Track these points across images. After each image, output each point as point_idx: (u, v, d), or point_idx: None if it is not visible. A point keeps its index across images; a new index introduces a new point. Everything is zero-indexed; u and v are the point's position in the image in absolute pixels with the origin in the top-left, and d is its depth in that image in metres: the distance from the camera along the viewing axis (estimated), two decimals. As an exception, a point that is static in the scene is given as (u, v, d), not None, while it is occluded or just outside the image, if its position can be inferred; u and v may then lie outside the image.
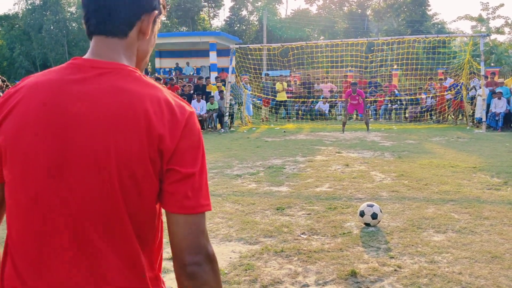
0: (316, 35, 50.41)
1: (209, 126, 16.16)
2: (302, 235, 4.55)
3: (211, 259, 1.10)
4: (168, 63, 26.49)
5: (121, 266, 1.07)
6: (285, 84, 19.55)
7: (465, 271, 3.59)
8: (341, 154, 9.69)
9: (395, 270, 3.65)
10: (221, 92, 16.45)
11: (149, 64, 28.52)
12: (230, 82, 16.16)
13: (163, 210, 1.14)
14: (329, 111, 19.32)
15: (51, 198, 1.03)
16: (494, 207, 5.35)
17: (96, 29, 1.10)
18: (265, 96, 19.05)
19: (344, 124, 14.13)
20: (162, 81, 16.50)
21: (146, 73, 24.88)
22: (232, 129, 15.72)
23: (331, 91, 20.09)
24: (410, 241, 4.29)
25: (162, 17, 1.22)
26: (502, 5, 35.19)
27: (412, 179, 6.95)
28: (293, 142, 11.81)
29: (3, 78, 11.26)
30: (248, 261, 3.87)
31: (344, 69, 20.39)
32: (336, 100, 19.57)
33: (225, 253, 4.11)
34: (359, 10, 48.45)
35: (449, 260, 3.82)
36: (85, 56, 1.11)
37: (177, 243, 1.08)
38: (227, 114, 15.65)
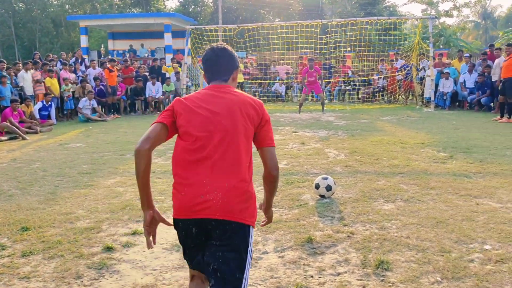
0: (271, 17, 50.44)
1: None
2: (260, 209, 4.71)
3: (279, 171, 2.31)
4: (121, 44, 25.90)
5: (235, 173, 2.16)
6: (241, 66, 19.60)
7: (413, 235, 3.87)
8: (297, 133, 9.93)
9: (348, 236, 3.89)
10: (177, 73, 16.34)
11: (102, 46, 27.82)
12: (186, 63, 16.06)
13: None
14: (286, 92, 19.57)
15: (205, 138, 2.19)
16: (440, 178, 5.71)
17: (212, 79, 2.37)
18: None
19: (300, 105, 14.39)
20: (116, 62, 16.17)
21: (99, 56, 24.27)
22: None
23: (287, 73, 20.32)
24: (362, 210, 4.55)
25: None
26: (450, -12, 36.13)
27: (364, 155, 7.26)
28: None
29: None
30: (210, 233, 4.00)
31: (299, 51, 20.64)
32: (292, 82, 19.84)
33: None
34: (314, -7, 48.70)
35: (398, 226, 4.09)
36: (210, 86, 2.36)
37: (269, 168, 2.28)
38: (184, 95, 15.60)
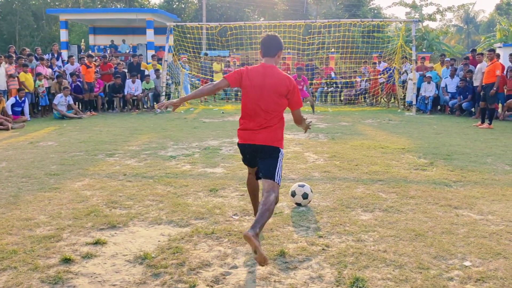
0: (256, 16, 50.25)
1: (145, 106, 15.73)
2: (234, 217, 4.51)
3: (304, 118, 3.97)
4: (102, 40, 25.45)
5: (272, 127, 3.71)
6: (222, 64, 19.36)
7: (390, 249, 3.69)
8: (277, 135, 9.73)
9: (323, 249, 3.70)
10: (157, 71, 16.00)
11: (83, 41, 27.26)
12: (167, 61, 15.74)
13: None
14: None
15: (257, 95, 3.72)
16: (420, 187, 5.56)
17: (265, 54, 3.81)
18: (204, 76, 18.79)
19: None
20: (93, 58, 15.76)
21: (79, 50, 23.79)
22: (168, 109, 15.37)
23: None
24: (339, 220, 4.36)
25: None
26: (434, -8, 36.47)
27: (344, 160, 7.09)
28: (231, 124, 11.74)
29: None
30: (177, 244, 3.77)
31: (283, 50, 20.43)
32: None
33: (153, 236, 3.99)
34: (299, -7, 48.63)
35: (375, 239, 3.91)
36: (261, 64, 3.82)
37: (296, 119, 3.91)
38: (164, 93, 15.28)
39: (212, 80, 18.47)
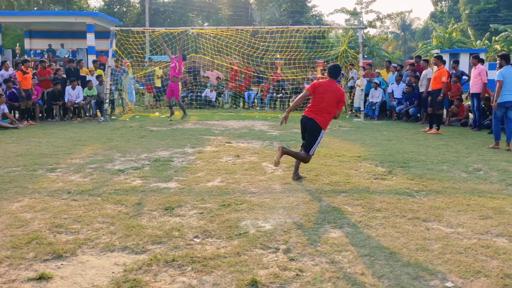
0: (200, 21, 49.75)
1: (87, 114, 14.90)
2: (195, 239, 4.13)
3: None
4: (39, 44, 24.14)
5: (326, 115, 6.31)
6: (161, 71, 18.77)
7: (367, 270, 3.46)
8: (231, 144, 9.41)
9: (297, 274, 3.41)
10: (99, 76, 15.22)
11: (18, 45, 25.71)
12: (110, 66, 15.00)
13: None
14: (216, 99, 18.98)
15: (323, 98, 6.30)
16: (384, 198, 5.42)
17: (331, 76, 6.48)
18: (149, 82, 18.15)
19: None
20: (30, 63, 14.76)
21: (14, 55, 22.41)
22: (113, 117, 14.66)
23: (218, 79, 19.76)
24: (308, 239, 4.10)
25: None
26: (374, 0, 37.54)
27: (303, 170, 6.87)
28: (180, 132, 11.27)
29: None
30: (134, 276, 3.35)
31: (229, 56, 20.14)
32: (223, 88, 19.30)
33: (106, 267, 3.54)
34: (243, -1, 48.70)
35: (350, 259, 3.67)
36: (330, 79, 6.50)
37: (336, 116, 6.49)
38: (107, 101, 14.53)
39: (154, 85, 17.88)
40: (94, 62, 17.03)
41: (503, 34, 37.51)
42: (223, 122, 13.43)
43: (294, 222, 4.58)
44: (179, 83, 14.69)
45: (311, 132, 6.24)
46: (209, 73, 19.91)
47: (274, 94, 18.54)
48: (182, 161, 7.64)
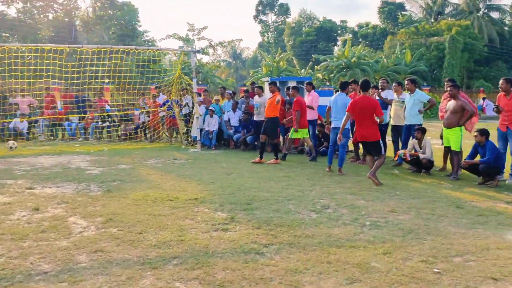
0: (16, 41, 44.26)
1: None
2: None
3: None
4: None
5: (370, 128, 8.27)
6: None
7: None
8: (33, 190, 7.34)
9: None
10: None
11: None
12: None
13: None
14: (29, 129, 16.05)
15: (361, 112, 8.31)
16: (227, 262, 4.15)
17: (363, 91, 8.50)
18: None
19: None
20: None
21: None
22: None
23: (31, 106, 16.88)
24: None
25: None
26: (206, 27, 37.59)
27: (124, 226, 5.31)
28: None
29: None
30: None
31: (49, 80, 17.39)
32: (37, 117, 16.49)
33: None
34: (66, 19, 44.90)
35: None
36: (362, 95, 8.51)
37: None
38: None
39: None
40: None
41: (323, 63, 40.66)
42: (31, 159, 11.00)
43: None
44: None
45: (372, 146, 8.42)
46: (18, 99, 16.83)
47: (99, 122, 16.43)
48: (-50, 223, 5.43)
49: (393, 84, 11.06)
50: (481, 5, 50.35)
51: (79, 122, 16.50)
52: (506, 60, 46.79)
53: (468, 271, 3.97)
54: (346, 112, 8.68)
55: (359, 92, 8.66)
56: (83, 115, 16.30)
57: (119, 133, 16.23)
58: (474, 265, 4.12)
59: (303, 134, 11.10)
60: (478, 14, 48.84)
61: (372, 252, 4.45)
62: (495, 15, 50.79)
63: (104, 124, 16.31)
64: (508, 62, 46.84)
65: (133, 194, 7.04)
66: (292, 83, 27.21)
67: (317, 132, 12.11)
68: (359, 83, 8.71)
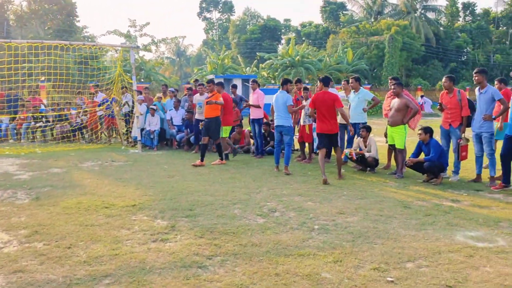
0: None
1: None
2: None
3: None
4: None
5: (332, 120, 8.41)
6: None
7: None
8: (-52, 200, 6.58)
9: None
10: None
11: None
12: None
13: None
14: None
15: (322, 106, 8.41)
16: (166, 279, 3.75)
17: (324, 86, 8.67)
18: None
19: None
20: None
21: None
22: None
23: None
24: None
25: None
26: (148, 23, 36.61)
27: (51, 239, 4.77)
28: None
29: None
30: None
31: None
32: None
33: None
34: (-2, 13, 42.35)
35: None
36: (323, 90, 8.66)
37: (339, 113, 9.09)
38: None
39: None
40: None
41: (268, 62, 40.64)
42: (-48, 164, 10.03)
43: None
44: None
45: (334, 139, 8.61)
46: None
47: (32, 123, 15.38)
48: None
49: (342, 83, 10.98)
50: (418, 6, 52.34)
51: (10, 123, 15.39)
52: (441, 59, 48.87)
53: (422, 278, 3.80)
54: (309, 108, 8.98)
55: (321, 88, 8.68)
56: (13, 116, 15.20)
57: (54, 134, 15.27)
58: (427, 271, 3.96)
59: (225, 133, 10.94)
60: (416, 14, 50.75)
61: (322, 261, 4.19)
62: (431, 15, 52.94)
63: (38, 125, 15.29)
64: (443, 61, 48.92)
65: (65, 201, 6.46)
66: (237, 81, 26.99)
67: (263, 131, 11.84)
68: (320, 78, 8.74)
